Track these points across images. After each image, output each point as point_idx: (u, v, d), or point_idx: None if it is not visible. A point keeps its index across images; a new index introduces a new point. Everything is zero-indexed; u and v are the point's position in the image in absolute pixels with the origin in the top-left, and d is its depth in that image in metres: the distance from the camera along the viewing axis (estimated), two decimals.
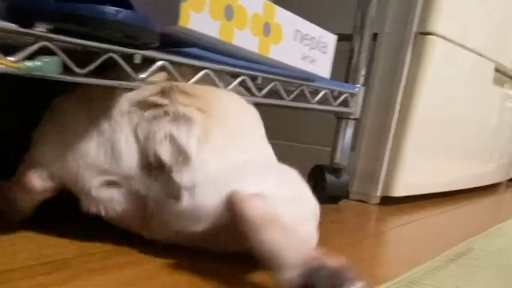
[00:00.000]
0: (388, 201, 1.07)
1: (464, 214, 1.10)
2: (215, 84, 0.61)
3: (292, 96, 0.77)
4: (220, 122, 0.53)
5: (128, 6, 0.48)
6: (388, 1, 1.02)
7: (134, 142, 0.51)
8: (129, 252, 0.53)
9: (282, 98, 0.75)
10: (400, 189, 1.06)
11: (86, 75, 0.48)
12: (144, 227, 0.53)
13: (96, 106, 0.53)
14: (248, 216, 0.44)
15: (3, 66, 0.42)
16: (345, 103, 0.92)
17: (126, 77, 0.52)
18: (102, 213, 0.52)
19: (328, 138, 1.02)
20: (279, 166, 0.56)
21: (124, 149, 0.51)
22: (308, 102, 0.81)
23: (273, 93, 0.74)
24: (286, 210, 0.48)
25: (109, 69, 0.51)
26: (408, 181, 1.07)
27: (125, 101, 0.52)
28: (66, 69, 0.47)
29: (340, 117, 0.97)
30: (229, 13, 0.58)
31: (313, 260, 0.41)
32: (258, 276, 0.49)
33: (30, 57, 0.44)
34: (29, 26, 0.44)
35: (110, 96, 0.52)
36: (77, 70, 0.47)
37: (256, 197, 0.46)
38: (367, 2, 0.94)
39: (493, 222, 1.00)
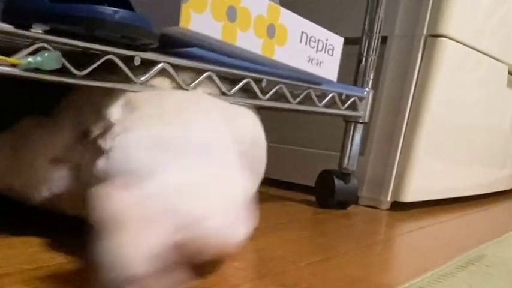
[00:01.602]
0: (398, 206, 1.05)
1: (476, 220, 1.07)
2: (217, 86, 0.60)
3: (298, 99, 0.75)
4: (150, 97, 0.52)
5: (127, 6, 0.47)
6: (398, 3, 1.00)
7: (72, 116, 0.52)
8: None
9: (287, 101, 0.74)
10: (411, 195, 1.04)
11: (85, 77, 0.48)
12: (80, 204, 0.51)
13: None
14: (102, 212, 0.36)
15: (4, 66, 0.42)
16: (353, 106, 0.90)
17: (125, 80, 0.52)
18: (54, 191, 0.52)
19: (336, 143, 1.01)
20: (208, 147, 0.50)
21: (65, 122, 0.52)
22: (315, 105, 0.79)
23: (278, 97, 0.73)
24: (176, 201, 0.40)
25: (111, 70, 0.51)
26: (419, 186, 1.05)
27: None
28: (65, 72, 0.46)
29: (349, 121, 0.95)
30: (232, 14, 0.57)
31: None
32: None
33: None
34: (26, 27, 0.43)
35: None
36: (75, 72, 0.47)
37: (123, 189, 0.39)
38: (376, 4, 0.93)
39: (506, 229, 0.97)
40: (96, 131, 0.50)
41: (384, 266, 0.62)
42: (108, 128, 0.48)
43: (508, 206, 1.40)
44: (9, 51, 0.43)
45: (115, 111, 0.49)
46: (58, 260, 0.48)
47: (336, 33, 0.75)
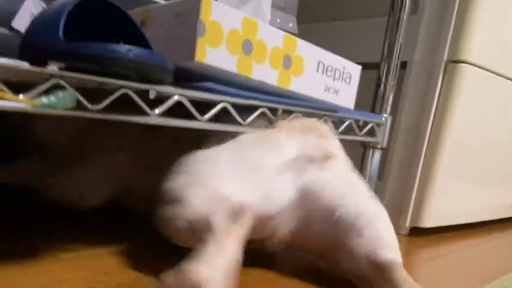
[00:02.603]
0: (417, 232, 1.03)
1: (500, 246, 1.05)
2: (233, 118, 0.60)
3: None
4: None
5: (143, 43, 0.48)
6: (418, 29, 0.99)
7: (290, 183, 0.58)
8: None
9: None
10: (431, 220, 1.02)
11: (100, 112, 0.48)
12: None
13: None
14: (400, 281, 0.55)
15: (17, 104, 0.42)
16: (371, 132, 0.89)
17: (141, 113, 0.52)
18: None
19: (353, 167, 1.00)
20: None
21: (280, 190, 0.58)
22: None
23: None
24: None
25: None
26: (439, 211, 1.03)
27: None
28: (80, 107, 0.46)
29: (367, 147, 0.94)
30: (247, 47, 0.57)
31: None
32: None
33: (42, 94, 0.44)
34: (42, 64, 0.44)
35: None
36: (90, 107, 0.47)
37: (400, 266, 0.57)
38: (395, 29, 0.92)
39: None
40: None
41: None
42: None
43: None
44: (26, 86, 0.44)
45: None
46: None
47: (355, 58, 0.75)
